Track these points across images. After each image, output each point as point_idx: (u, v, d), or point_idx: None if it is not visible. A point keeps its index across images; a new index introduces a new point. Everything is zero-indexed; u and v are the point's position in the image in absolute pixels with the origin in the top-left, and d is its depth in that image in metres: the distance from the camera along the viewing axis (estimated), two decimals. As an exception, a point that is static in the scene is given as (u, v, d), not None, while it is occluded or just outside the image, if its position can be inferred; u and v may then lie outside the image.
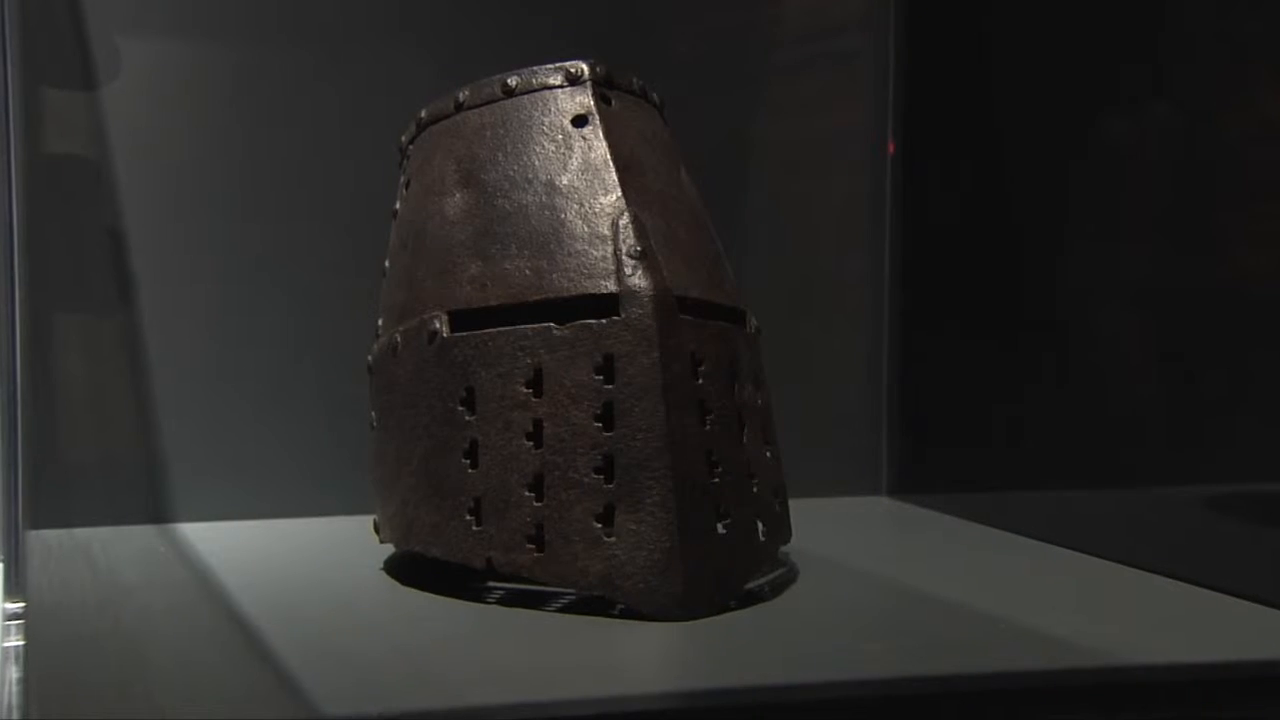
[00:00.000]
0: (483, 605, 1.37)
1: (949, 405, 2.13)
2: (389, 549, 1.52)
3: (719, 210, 1.56)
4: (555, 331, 1.33)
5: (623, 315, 1.32)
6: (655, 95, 1.52)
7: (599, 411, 1.31)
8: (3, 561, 1.59)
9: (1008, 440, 2.00)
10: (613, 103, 1.44)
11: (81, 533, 1.74)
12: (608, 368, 1.32)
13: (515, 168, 1.41)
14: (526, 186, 1.39)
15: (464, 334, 1.38)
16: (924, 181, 2.18)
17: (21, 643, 1.32)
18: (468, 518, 1.35)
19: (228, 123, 1.86)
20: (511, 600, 1.38)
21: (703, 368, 1.35)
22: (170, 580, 1.53)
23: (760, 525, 1.41)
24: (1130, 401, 1.84)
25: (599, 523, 1.30)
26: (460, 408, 1.37)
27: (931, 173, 2.18)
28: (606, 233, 1.35)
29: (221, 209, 1.85)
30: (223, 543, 1.70)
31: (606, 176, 1.38)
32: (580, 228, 1.36)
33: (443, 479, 1.37)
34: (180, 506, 1.81)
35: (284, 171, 1.87)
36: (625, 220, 1.35)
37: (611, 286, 1.33)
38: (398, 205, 1.53)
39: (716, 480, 1.34)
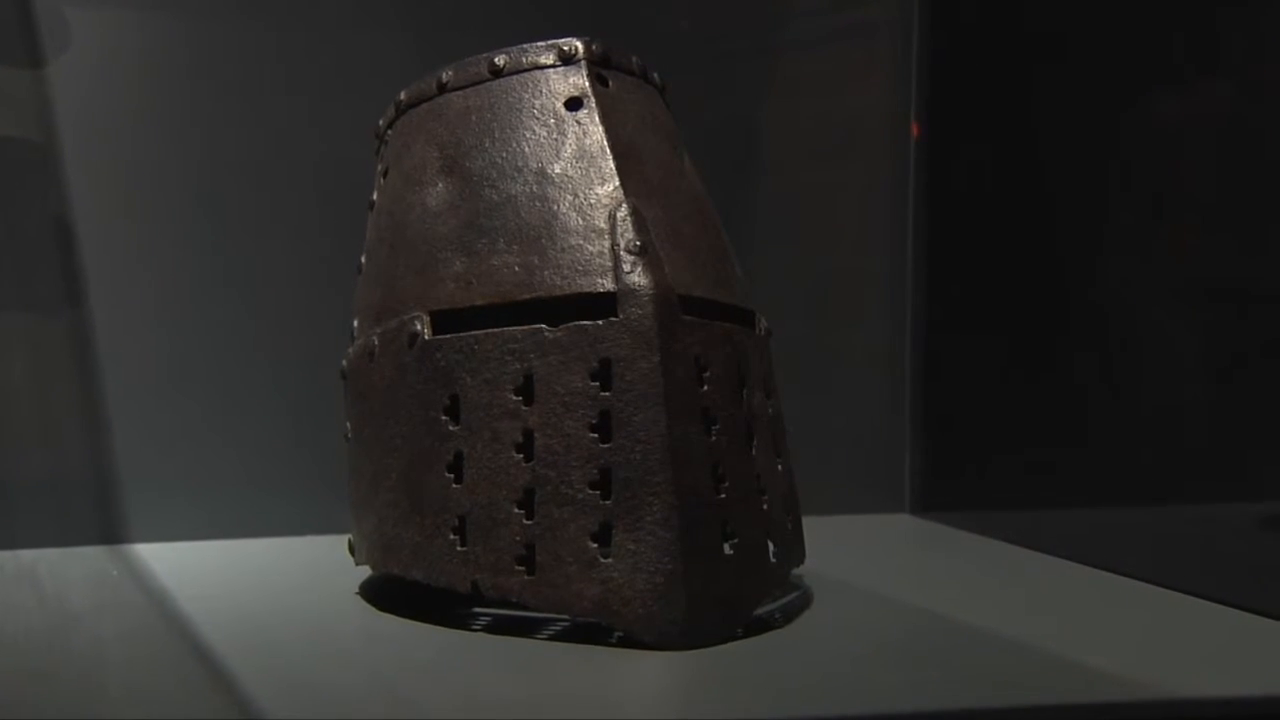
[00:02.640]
0: (468, 633, 1.39)
1: (977, 415, 2.14)
2: (365, 571, 1.53)
3: (725, 201, 1.57)
4: (547, 334, 1.35)
5: (621, 316, 1.34)
6: (656, 76, 1.54)
7: (595, 421, 1.33)
8: (-59, 586, 1.60)
9: (1041, 454, 2.02)
10: (610, 84, 1.46)
11: (27, 555, 1.75)
12: (604, 373, 1.33)
13: (503, 155, 1.43)
14: (515, 175, 1.41)
15: (447, 336, 1.39)
16: (951, 168, 2.19)
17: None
18: (451, 537, 1.37)
19: (187, 104, 1.87)
20: (499, 627, 1.40)
21: (708, 373, 1.37)
22: (124, 606, 1.55)
23: (771, 545, 1.42)
24: (1175, 411, 1.85)
25: (595, 542, 1.32)
26: (443, 417, 1.38)
27: (960, 159, 2.19)
28: (603, 226, 1.37)
29: (179, 200, 1.87)
30: (180, 565, 1.72)
31: (603, 164, 1.39)
32: (574, 220, 1.38)
33: (424, 495, 1.39)
34: (134, 526, 1.83)
35: (248, 159, 1.88)
36: (624, 212, 1.37)
37: (608, 285, 1.35)
38: (375, 196, 1.55)
39: (723, 496, 1.35)
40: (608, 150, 1.40)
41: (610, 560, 1.31)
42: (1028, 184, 2.05)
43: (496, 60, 1.47)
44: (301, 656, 1.32)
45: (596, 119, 1.42)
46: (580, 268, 1.36)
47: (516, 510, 1.34)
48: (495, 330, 1.37)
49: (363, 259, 1.55)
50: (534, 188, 1.40)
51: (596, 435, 1.32)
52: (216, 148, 1.86)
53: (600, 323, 1.34)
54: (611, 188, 1.39)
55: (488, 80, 1.47)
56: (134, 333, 1.84)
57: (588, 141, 1.41)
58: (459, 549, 1.36)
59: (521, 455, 1.34)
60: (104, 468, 1.81)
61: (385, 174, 1.54)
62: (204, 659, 1.30)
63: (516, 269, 1.38)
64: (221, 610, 1.48)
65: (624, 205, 1.38)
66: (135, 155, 1.85)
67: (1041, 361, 2.01)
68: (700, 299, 1.40)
